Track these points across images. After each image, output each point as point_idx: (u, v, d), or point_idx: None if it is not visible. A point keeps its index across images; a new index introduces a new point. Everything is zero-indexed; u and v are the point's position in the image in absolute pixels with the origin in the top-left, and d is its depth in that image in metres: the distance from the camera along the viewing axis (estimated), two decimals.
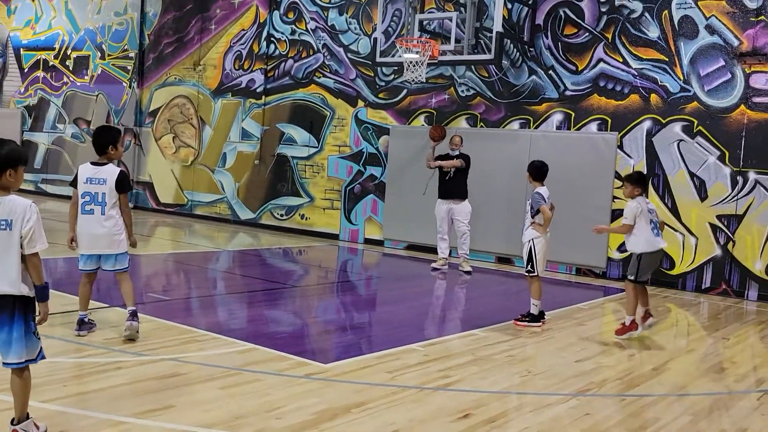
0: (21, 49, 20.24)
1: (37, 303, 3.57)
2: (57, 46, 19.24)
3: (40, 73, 19.69)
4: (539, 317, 7.34)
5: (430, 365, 5.60)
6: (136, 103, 17.37)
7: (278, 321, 7.11)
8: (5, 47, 20.65)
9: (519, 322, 7.29)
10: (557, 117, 11.72)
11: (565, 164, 11.07)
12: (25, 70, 20.10)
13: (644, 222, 6.98)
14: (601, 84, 11.31)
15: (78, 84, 18.69)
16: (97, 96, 18.25)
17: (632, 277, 6.99)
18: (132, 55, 17.46)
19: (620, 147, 11.13)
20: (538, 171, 7.48)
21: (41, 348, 3.63)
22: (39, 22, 19.73)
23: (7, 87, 20.60)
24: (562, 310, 8.34)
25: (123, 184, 5.69)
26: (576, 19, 11.54)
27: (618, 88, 11.18)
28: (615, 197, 11.13)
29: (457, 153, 10.98)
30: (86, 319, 5.82)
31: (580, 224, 11.07)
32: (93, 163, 5.70)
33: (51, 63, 19.38)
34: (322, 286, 9.51)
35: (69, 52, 18.93)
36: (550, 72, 11.75)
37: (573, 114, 11.57)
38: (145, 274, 9.35)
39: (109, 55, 18.01)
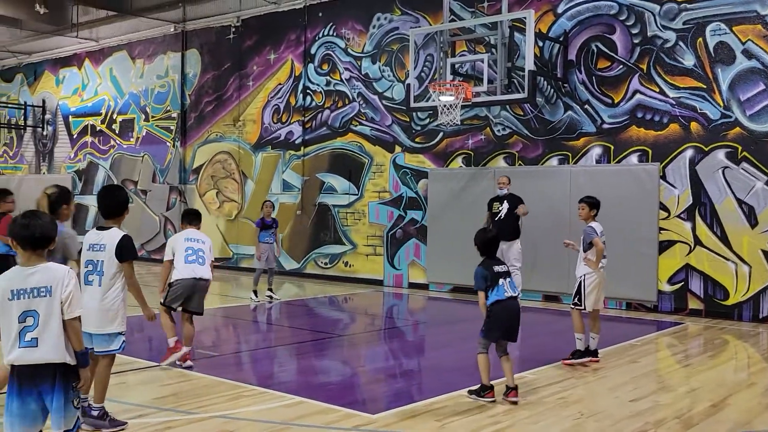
0: (70, 117, 20.98)
1: (79, 369, 3.56)
2: (103, 111, 19.90)
3: (88, 138, 20.35)
4: (587, 352, 7.20)
5: (479, 411, 5.50)
6: (180, 162, 17.80)
7: (326, 372, 7.08)
8: (54, 116, 21.44)
9: (567, 361, 7.15)
10: (596, 151, 11.63)
11: (607, 198, 10.82)
12: (74, 136, 20.80)
13: None
14: (639, 115, 11.21)
15: (124, 146, 19.25)
16: (142, 157, 18.76)
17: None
18: (174, 115, 17.96)
19: (663, 177, 10.97)
20: (596, 204, 7.38)
21: (78, 417, 3.58)
22: (86, 90, 20.47)
23: (58, 153, 21.32)
24: (614, 348, 8.15)
25: (124, 251, 4.89)
26: (609, 52, 11.51)
27: (657, 118, 11.06)
28: (662, 228, 10.93)
29: (505, 192, 11.02)
30: (93, 412, 4.92)
31: (627, 258, 10.88)
32: (98, 228, 5.02)
33: (98, 128, 20.02)
34: (369, 334, 9.48)
35: (115, 116, 19.55)
36: (586, 106, 11.70)
37: (612, 147, 11.47)
38: (195, 330, 9.44)
39: (152, 117, 18.54)
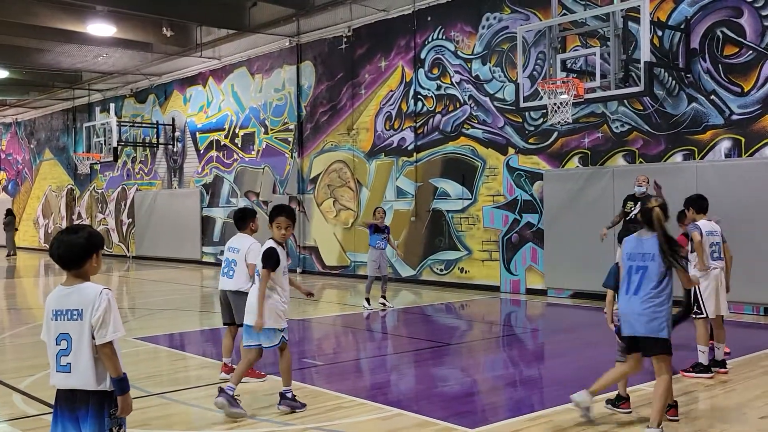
0: (196, 133, 21.99)
1: (117, 396, 3.30)
2: (226, 126, 20.70)
3: (213, 153, 21.23)
4: (710, 367, 6.61)
5: (587, 428, 5.15)
6: (298, 172, 18.20)
7: (434, 382, 6.89)
8: (183, 133, 22.55)
9: (687, 374, 6.60)
10: (725, 144, 10.80)
11: (739, 195, 10.13)
12: (201, 152, 21.77)
13: None
14: None
15: (246, 159, 19.92)
16: (263, 169, 19.34)
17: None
18: (291, 127, 18.40)
19: None
20: (696, 202, 6.87)
21: None
22: (210, 106, 21.38)
23: (187, 168, 22.39)
24: (747, 358, 7.47)
25: (264, 259, 5.68)
26: (736, 37, 10.68)
27: None
28: None
29: (642, 191, 10.42)
30: (288, 394, 5.68)
31: (765, 260, 10.02)
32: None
33: (222, 143, 20.85)
34: (485, 342, 9.23)
35: (237, 130, 20.29)
36: (712, 97, 10.90)
37: (743, 139, 10.61)
38: (315, 338, 9.57)
39: (271, 130, 19.08)
